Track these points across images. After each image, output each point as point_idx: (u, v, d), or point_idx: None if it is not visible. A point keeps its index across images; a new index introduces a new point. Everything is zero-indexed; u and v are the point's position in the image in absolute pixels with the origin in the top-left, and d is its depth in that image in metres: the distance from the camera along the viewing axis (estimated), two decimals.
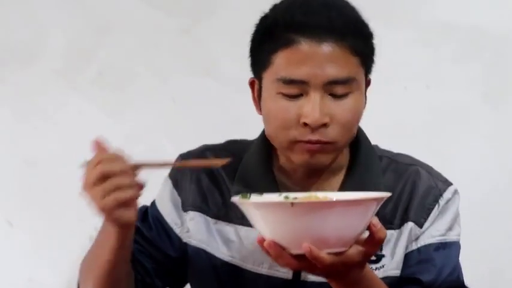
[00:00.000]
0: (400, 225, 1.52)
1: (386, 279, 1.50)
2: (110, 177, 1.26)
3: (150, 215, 1.57)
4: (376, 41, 1.46)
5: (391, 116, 2.19)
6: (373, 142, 1.59)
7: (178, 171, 1.58)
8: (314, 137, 1.41)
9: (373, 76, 1.49)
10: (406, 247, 1.53)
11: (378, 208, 1.26)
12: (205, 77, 2.21)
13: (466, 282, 1.56)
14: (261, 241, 1.25)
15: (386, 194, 1.29)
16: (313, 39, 1.38)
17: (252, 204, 1.27)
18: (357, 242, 1.26)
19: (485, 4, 2.22)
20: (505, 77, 2.22)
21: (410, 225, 1.52)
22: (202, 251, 1.53)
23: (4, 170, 2.19)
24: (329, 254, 1.23)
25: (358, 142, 1.53)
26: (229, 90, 2.19)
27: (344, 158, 1.53)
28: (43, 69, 2.21)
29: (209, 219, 1.53)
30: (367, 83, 1.48)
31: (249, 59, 1.50)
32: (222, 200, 1.54)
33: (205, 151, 1.58)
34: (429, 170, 1.58)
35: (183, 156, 1.58)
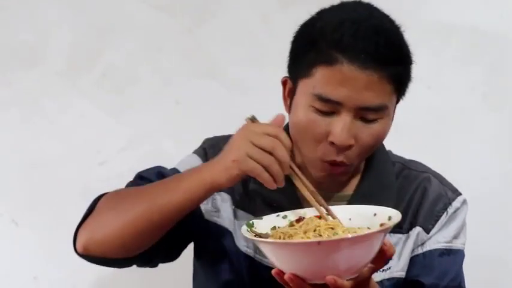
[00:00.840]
0: (408, 230, 1.56)
1: (391, 280, 1.54)
2: (272, 155, 1.31)
3: None
4: None
5: None
6: None
7: (207, 152, 1.60)
8: (338, 158, 1.44)
9: None
10: (412, 251, 1.56)
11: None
12: (208, 78, 2.21)
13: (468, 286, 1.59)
14: (280, 274, 1.26)
15: (396, 219, 1.29)
16: (356, 63, 1.39)
17: (275, 244, 1.26)
18: None
19: (486, 6, 2.22)
20: (505, 79, 2.22)
21: (418, 229, 1.56)
22: (229, 233, 1.55)
23: (9, 170, 2.19)
24: (348, 280, 1.25)
25: None
26: (232, 91, 2.20)
27: None
28: (46, 71, 2.20)
29: (233, 206, 1.56)
30: (397, 101, 1.50)
31: (287, 58, 1.50)
32: (244, 190, 1.56)
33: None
34: (440, 178, 1.61)
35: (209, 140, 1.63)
